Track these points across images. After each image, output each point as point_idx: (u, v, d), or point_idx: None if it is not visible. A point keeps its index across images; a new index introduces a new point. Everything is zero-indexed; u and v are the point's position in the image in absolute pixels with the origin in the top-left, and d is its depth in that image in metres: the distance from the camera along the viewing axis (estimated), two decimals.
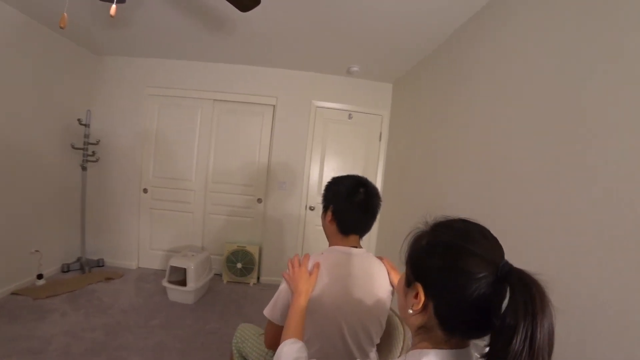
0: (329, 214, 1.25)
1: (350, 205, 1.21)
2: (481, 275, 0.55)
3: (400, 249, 0.71)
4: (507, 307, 0.52)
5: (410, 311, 0.64)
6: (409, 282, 0.67)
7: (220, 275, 3.69)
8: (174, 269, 3.02)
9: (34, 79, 2.87)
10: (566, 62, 1.42)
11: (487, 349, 0.54)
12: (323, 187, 1.33)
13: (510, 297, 0.53)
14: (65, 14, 1.46)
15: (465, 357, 0.62)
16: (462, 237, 0.61)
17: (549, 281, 0.53)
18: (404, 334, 1.24)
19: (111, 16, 1.52)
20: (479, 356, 0.58)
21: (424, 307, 0.62)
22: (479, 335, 0.59)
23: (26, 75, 2.79)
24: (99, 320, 2.51)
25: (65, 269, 3.39)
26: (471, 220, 0.66)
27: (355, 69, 3.40)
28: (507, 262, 0.57)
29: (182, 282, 2.98)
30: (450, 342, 0.61)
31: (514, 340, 0.48)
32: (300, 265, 1.13)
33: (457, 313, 0.58)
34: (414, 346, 0.66)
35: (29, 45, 2.78)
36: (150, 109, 3.69)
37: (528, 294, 0.51)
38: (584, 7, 1.37)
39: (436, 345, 0.62)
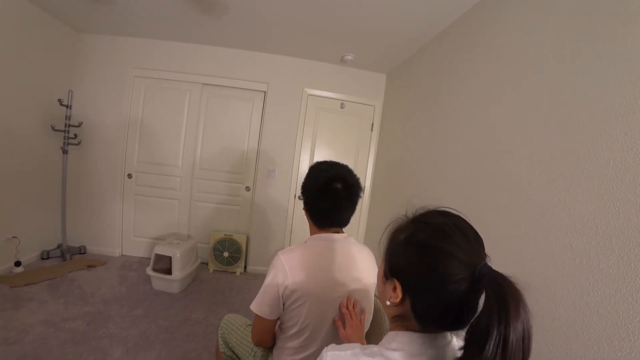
0: (304, 205, 1.25)
1: (323, 201, 1.18)
2: (458, 277, 0.55)
3: (380, 238, 0.71)
4: (481, 311, 0.52)
5: (388, 302, 0.66)
6: (386, 275, 0.68)
7: (206, 264, 3.63)
8: (159, 257, 2.95)
9: (10, 54, 2.70)
10: (559, 56, 1.39)
11: (460, 353, 0.54)
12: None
13: (485, 301, 0.52)
14: None
15: (442, 339, 0.64)
16: (440, 238, 0.60)
17: (527, 284, 0.52)
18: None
19: None
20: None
21: (402, 301, 0.64)
22: (454, 329, 0.60)
23: (1, 51, 2.62)
24: (79, 310, 2.43)
25: (45, 256, 3.27)
26: (452, 213, 0.65)
27: (349, 57, 3.32)
28: (485, 265, 0.55)
29: (167, 271, 2.91)
30: (425, 331, 0.63)
31: (487, 346, 0.48)
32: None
33: (433, 311, 0.59)
34: (391, 329, 0.68)
35: (5, 19, 2.61)
36: (136, 91, 3.55)
37: (502, 298, 0.50)
38: (577, 6, 1.34)
39: (413, 331, 0.64)
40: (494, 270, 0.55)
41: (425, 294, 0.60)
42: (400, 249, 0.65)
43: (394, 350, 0.62)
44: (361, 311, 1.16)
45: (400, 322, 0.66)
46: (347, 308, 1.12)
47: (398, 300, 0.63)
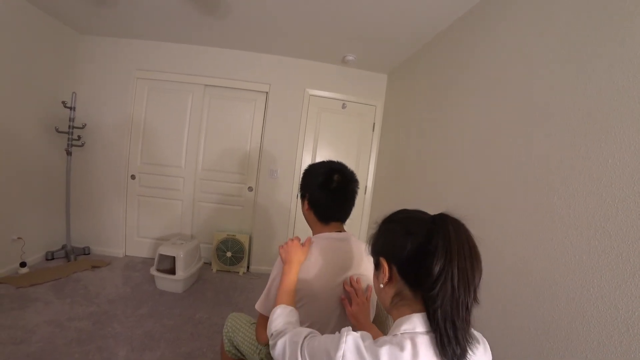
0: (306, 202, 1.26)
1: (326, 193, 1.21)
2: (418, 229, 0.71)
3: (364, 248, 0.88)
4: (432, 240, 0.66)
5: (382, 285, 0.76)
6: (376, 265, 0.81)
7: (209, 264, 3.65)
8: (163, 257, 2.97)
9: (14, 57, 2.73)
10: (563, 56, 1.41)
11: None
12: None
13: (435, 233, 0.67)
14: None
15: None
16: (402, 213, 0.80)
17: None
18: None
19: None
20: None
21: (390, 276, 0.74)
22: None
23: (5, 53, 2.65)
24: (85, 310, 2.46)
25: (50, 256, 3.30)
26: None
27: (350, 58, 3.34)
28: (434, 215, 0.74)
29: (171, 271, 2.94)
30: (419, 296, 0.69)
31: (435, 260, 0.64)
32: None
33: (414, 264, 0.69)
34: (394, 318, 0.75)
35: (8, 21, 2.64)
36: (139, 92, 3.57)
37: (444, 226, 0.67)
38: (578, 6, 1.36)
39: (410, 305, 0.71)
40: (443, 213, 0.72)
41: (402, 252, 0.72)
42: (379, 236, 0.81)
43: (402, 334, 0.66)
44: (366, 288, 1.17)
45: (396, 298, 0.74)
46: (352, 286, 1.14)
47: (387, 275, 0.74)
